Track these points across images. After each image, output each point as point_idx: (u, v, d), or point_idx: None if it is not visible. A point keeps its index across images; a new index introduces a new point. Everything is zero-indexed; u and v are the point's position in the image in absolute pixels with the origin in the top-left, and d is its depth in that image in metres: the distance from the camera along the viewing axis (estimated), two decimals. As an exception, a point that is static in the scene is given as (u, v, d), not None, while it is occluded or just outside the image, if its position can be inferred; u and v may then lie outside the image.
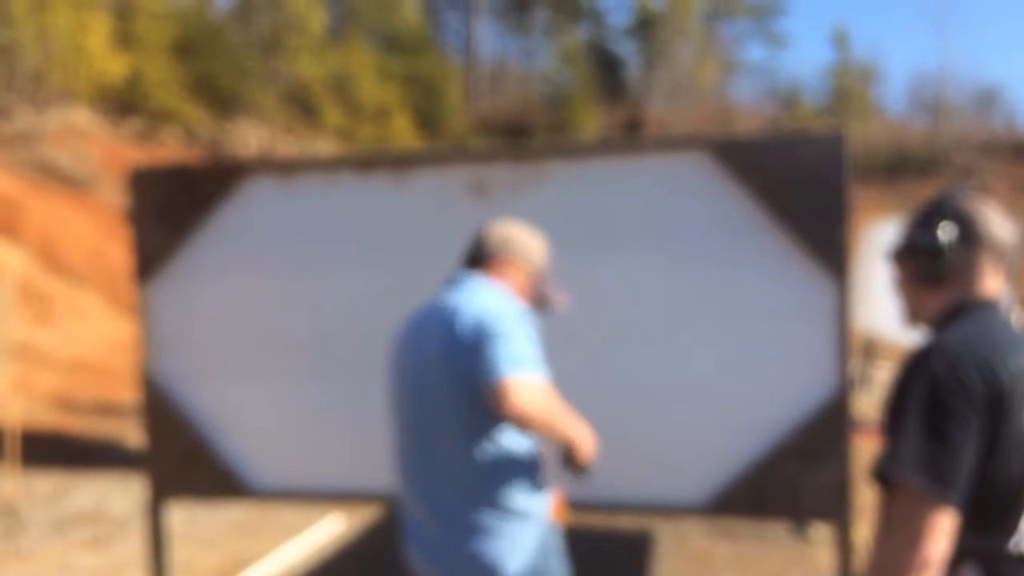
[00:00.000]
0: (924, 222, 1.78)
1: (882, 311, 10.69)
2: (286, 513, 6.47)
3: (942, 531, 1.52)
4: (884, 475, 1.59)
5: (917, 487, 1.52)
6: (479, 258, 2.49)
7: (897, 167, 32.58)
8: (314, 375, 3.77)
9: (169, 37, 25.36)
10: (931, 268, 1.75)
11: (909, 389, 1.60)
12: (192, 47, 26.23)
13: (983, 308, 1.71)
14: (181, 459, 3.92)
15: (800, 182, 3.32)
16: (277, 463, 3.86)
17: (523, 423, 2.16)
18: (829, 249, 3.29)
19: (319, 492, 3.86)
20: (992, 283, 1.75)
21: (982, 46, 67.74)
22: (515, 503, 2.27)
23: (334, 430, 3.78)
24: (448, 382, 2.26)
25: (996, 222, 1.75)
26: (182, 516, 6.28)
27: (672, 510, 3.59)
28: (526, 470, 2.31)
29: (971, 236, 1.73)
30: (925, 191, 30.73)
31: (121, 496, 7.15)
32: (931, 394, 1.55)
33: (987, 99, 39.94)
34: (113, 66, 21.78)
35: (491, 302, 2.30)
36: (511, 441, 2.29)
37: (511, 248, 2.49)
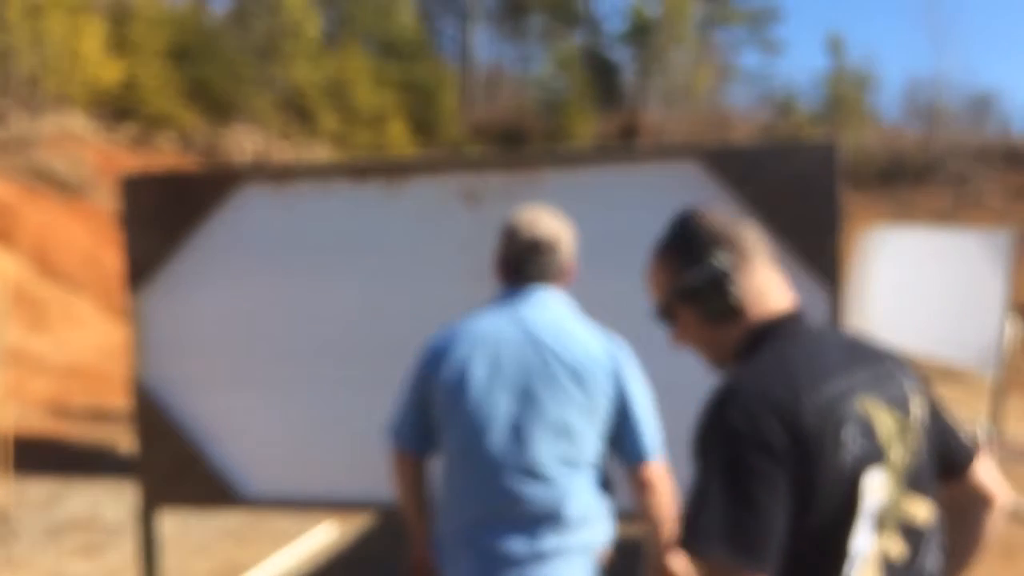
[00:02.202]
0: (687, 259, 1.60)
1: (878, 318, 10.73)
2: (279, 521, 6.45)
3: None
4: (689, 548, 1.40)
5: (724, 561, 1.34)
6: (554, 269, 2.35)
7: (892, 174, 32.62)
8: (306, 383, 3.77)
9: (164, 42, 25.34)
10: (721, 303, 1.57)
11: (707, 446, 1.43)
12: (188, 53, 26.21)
13: (781, 328, 1.54)
14: (173, 467, 3.91)
15: (793, 191, 3.32)
16: (269, 471, 3.85)
17: (651, 517, 2.24)
18: (822, 258, 3.29)
19: (311, 501, 3.85)
20: (777, 294, 1.60)
21: (976, 53, 67.96)
22: (584, 536, 2.24)
23: (327, 438, 3.77)
24: (577, 411, 2.21)
25: (747, 228, 1.62)
26: (174, 523, 6.25)
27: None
28: (602, 507, 2.30)
29: (742, 252, 1.58)
30: (920, 198, 30.78)
31: (114, 503, 7.13)
32: (729, 452, 1.39)
33: (981, 106, 40.04)
34: (108, 71, 21.78)
35: (602, 341, 2.32)
36: (594, 474, 2.28)
37: (573, 251, 2.42)
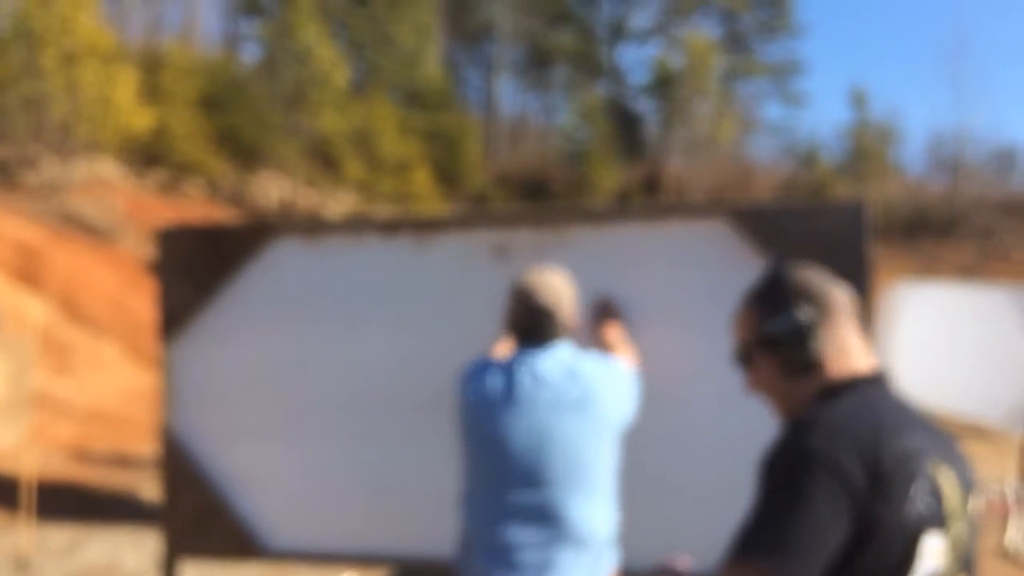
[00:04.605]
0: (772, 308, 1.62)
1: (903, 373, 10.61)
2: (300, 572, 6.41)
3: None
4: (737, 557, 1.39)
5: (763, 565, 1.34)
6: (560, 329, 2.65)
7: (916, 227, 32.49)
8: (333, 436, 3.77)
9: (195, 91, 25.85)
10: (800, 356, 1.58)
11: (777, 467, 1.43)
12: (217, 101, 26.69)
13: (863, 384, 1.54)
14: (197, 517, 3.91)
15: (821, 251, 3.32)
16: (294, 524, 3.85)
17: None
18: (850, 318, 3.28)
19: (334, 554, 3.84)
20: (862, 355, 1.60)
21: (1000, 106, 67.99)
22: (594, 554, 2.50)
23: (352, 492, 3.77)
24: (584, 439, 2.51)
25: (836, 288, 1.62)
26: (196, 573, 6.23)
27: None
28: (611, 527, 2.59)
29: (827, 310, 1.59)
30: (944, 251, 30.62)
31: (135, 551, 7.12)
32: (801, 472, 1.37)
33: (1006, 159, 39.92)
34: (139, 119, 22.17)
35: (604, 365, 2.70)
36: (605, 495, 2.57)
37: (574, 306, 2.72)
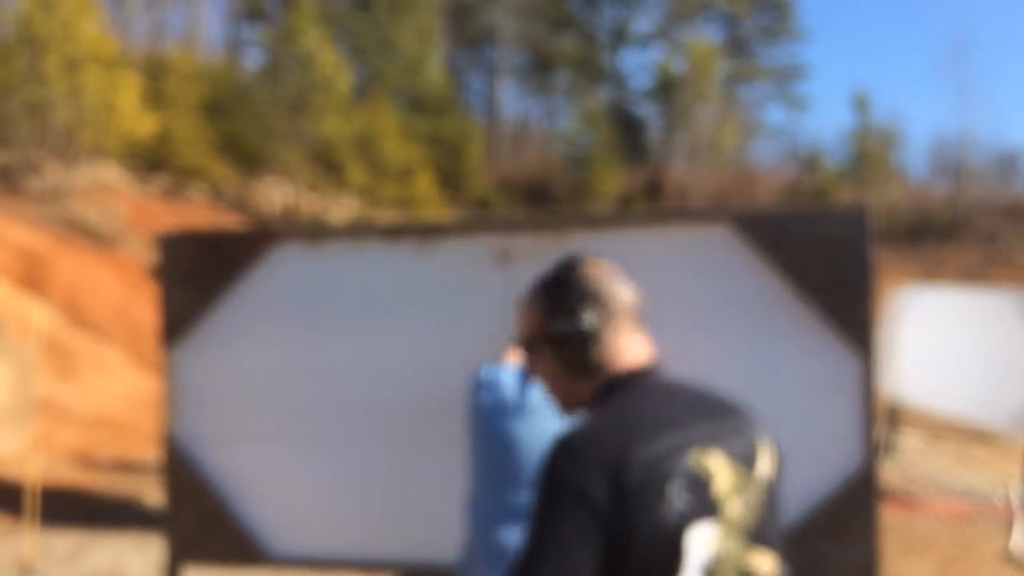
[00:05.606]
0: (557, 307, 1.62)
1: (907, 377, 10.60)
2: (303, 577, 6.41)
3: None
4: None
5: None
6: None
7: (919, 231, 32.49)
8: (336, 442, 3.77)
9: (198, 96, 25.89)
10: (581, 359, 1.59)
11: (538, 492, 1.47)
12: (220, 106, 26.74)
13: (634, 383, 1.58)
14: (201, 524, 3.92)
15: (824, 256, 3.33)
16: (297, 530, 3.85)
17: None
18: (853, 324, 3.28)
19: (338, 560, 3.84)
20: (636, 349, 1.63)
21: (1003, 110, 68.00)
22: None
23: (354, 498, 3.77)
24: None
25: (616, 285, 1.64)
26: (199, 578, 6.23)
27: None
28: None
29: (610, 312, 1.61)
30: (947, 255, 30.60)
31: (138, 557, 7.11)
32: (551, 500, 1.42)
33: (1009, 163, 39.99)
34: (143, 124, 22.22)
35: None
36: None
37: None
